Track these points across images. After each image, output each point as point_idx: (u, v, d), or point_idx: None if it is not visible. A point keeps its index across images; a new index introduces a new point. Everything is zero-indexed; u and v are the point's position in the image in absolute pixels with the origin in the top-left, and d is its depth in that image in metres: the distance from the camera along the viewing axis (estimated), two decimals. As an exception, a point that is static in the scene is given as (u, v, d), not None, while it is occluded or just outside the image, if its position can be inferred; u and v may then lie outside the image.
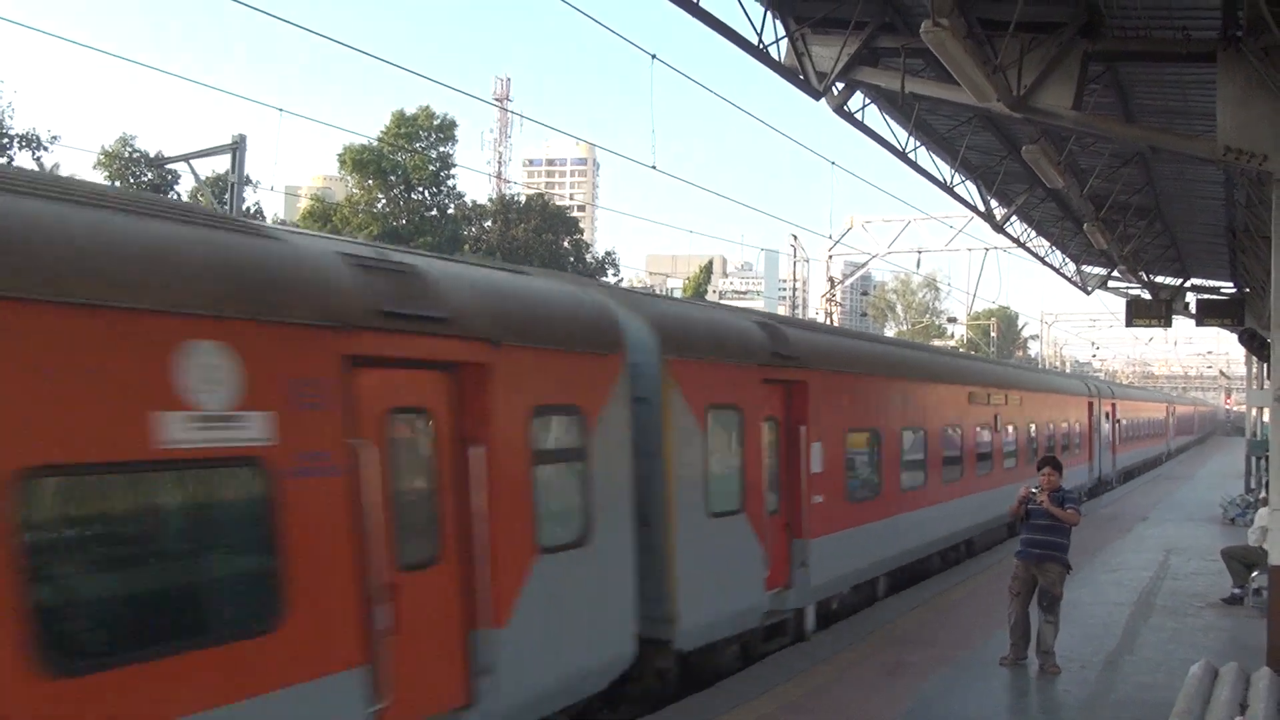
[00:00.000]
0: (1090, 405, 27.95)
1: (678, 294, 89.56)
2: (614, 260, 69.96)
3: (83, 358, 4.48)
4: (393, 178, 58.92)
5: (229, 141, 21.26)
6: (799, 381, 10.88)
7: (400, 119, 58.89)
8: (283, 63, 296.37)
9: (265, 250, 5.58)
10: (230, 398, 5.04)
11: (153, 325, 4.74)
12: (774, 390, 10.58)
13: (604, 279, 68.86)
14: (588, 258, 70.50)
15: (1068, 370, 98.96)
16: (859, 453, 12.65)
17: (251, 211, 51.80)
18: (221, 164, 34.23)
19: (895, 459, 13.74)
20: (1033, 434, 21.67)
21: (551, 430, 7.41)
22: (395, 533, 5.98)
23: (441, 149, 60.00)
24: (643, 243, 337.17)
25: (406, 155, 58.03)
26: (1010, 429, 20.10)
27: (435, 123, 59.18)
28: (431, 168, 59.25)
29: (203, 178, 29.23)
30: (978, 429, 17.99)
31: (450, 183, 61.31)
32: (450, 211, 62.84)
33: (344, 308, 5.72)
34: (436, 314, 6.31)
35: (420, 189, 60.76)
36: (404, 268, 6.42)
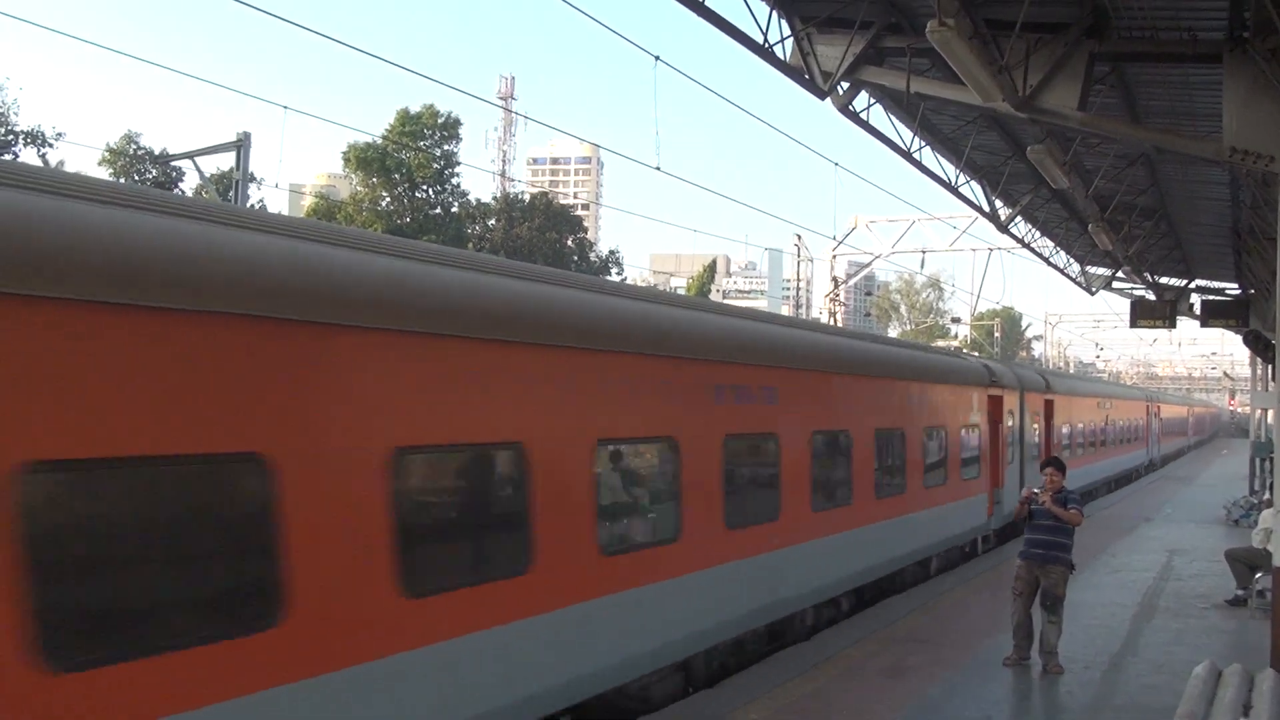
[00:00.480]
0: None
1: (681, 293, 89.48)
2: (618, 259, 69.96)
3: None
4: (397, 176, 59.04)
5: (234, 139, 21.29)
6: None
7: (405, 117, 58.94)
8: (288, 60, 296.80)
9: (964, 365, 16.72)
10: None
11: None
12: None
13: (607, 277, 68.87)
14: (591, 256, 70.56)
15: (1072, 371, 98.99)
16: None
17: (257, 209, 51.90)
18: (226, 161, 34.30)
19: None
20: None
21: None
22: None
23: (445, 147, 60.07)
24: (646, 242, 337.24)
25: (411, 153, 58.10)
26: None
27: (439, 121, 59.24)
28: (435, 166, 59.33)
29: (207, 175, 29.24)
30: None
31: (454, 181, 61.38)
32: (454, 210, 62.95)
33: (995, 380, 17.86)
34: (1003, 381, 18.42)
35: (424, 187, 60.85)
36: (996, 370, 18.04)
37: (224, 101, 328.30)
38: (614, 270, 71.10)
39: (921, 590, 14.17)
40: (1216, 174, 14.78)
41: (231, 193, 23.69)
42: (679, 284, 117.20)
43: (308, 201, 66.20)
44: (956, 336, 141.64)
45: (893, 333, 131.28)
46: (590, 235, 78.11)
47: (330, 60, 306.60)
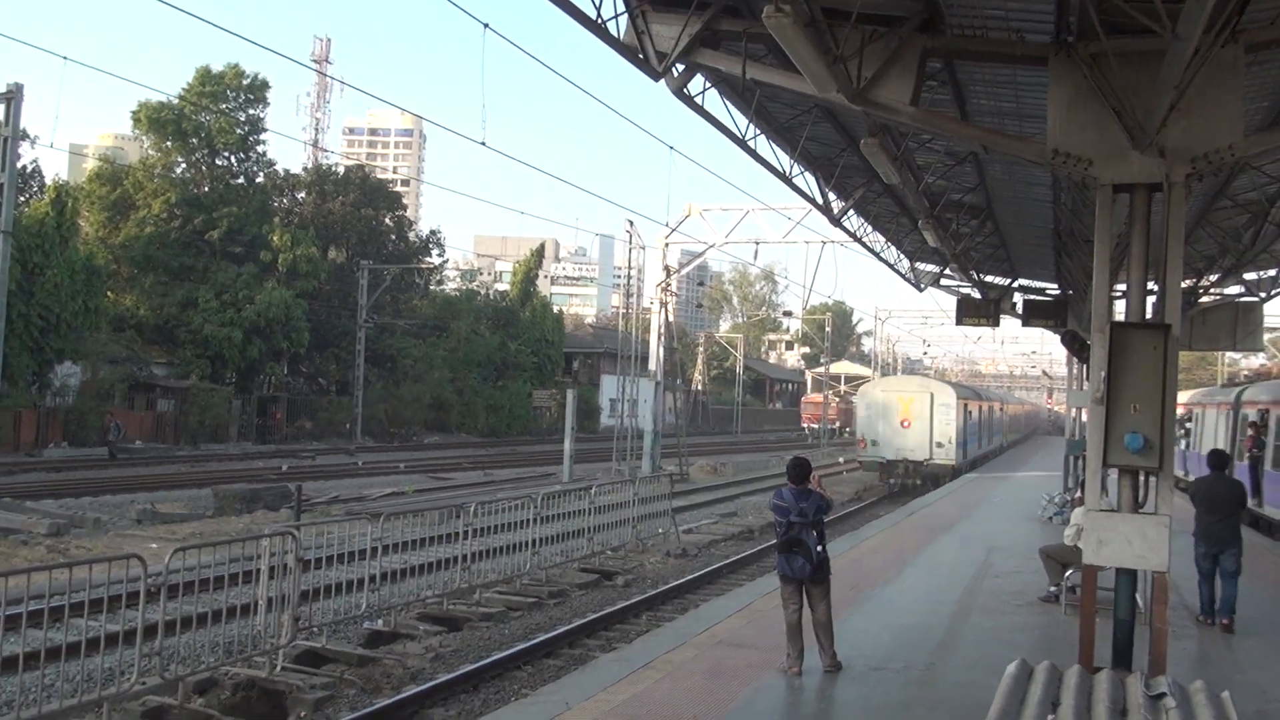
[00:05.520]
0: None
1: (506, 278, 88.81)
2: (439, 240, 68.79)
3: None
4: (194, 140, 56.14)
5: (2, 90, 19.87)
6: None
7: (205, 76, 56.10)
8: (69, 5, 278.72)
9: None
10: None
11: None
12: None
13: (427, 259, 67.38)
14: (411, 236, 69.01)
15: (899, 369, 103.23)
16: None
17: (29, 170, 48.48)
18: (-7, 114, 31.85)
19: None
20: None
21: None
22: None
23: (251, 111, 57.52)
24: (471, 223, 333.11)
25: (211, 116, 55.37)
26: None
27: (245, 82, 56.66)
28: (239, 131, 56.73)
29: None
30: None
31: (260, 149, 58.94)
32: (259, 180, 60.36)
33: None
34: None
35: (226, 154, 58.12)
36: None
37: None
38: (434, 252, 69.69)
39: (742, 592, 14.62)
40: (1040, 176, 15.61)
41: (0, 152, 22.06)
42: (504, 268, 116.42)
43: (90, 164, 62.26)
44: (788, 330, 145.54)
45: (724, 325, 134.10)
46: (410, 213, 76.54)
47: (120, 7, 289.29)
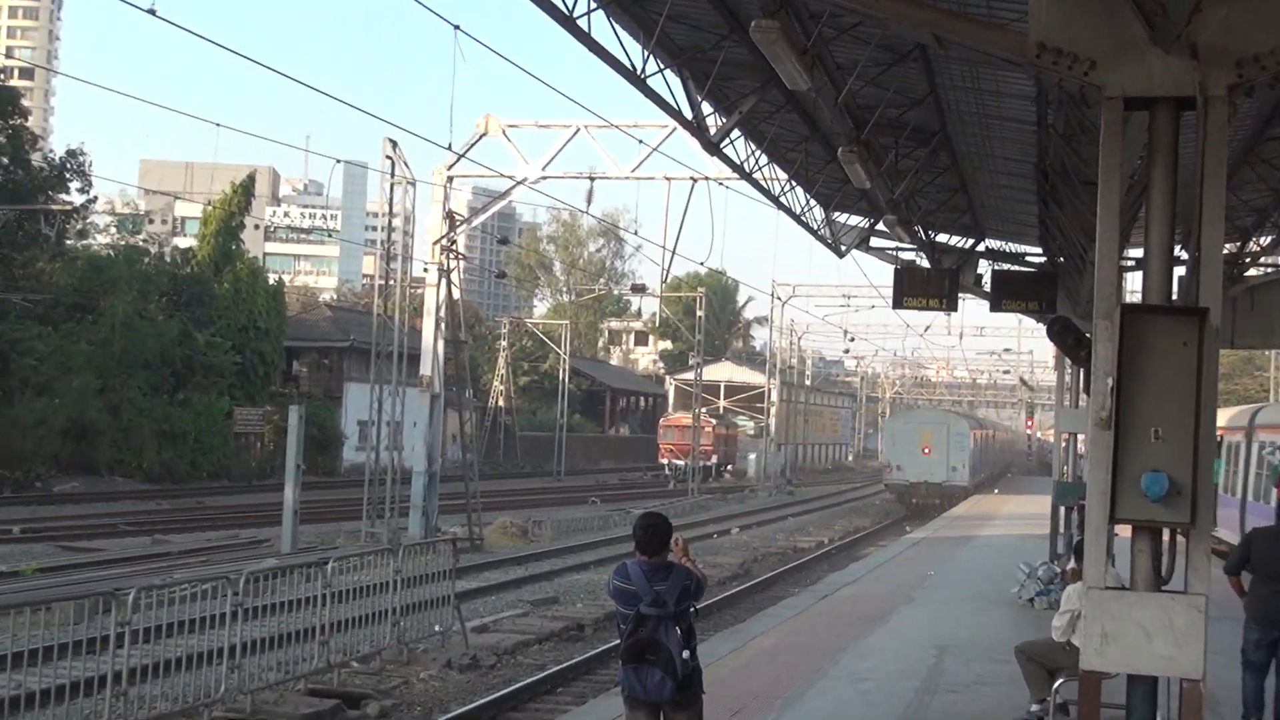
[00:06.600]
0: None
1: (193, 228, 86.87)
2: (82, 166, 66.65)
3: None
4: None
5: None
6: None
7: None
8: None
9: None
10: None
11: None
12: None
13: (61, 197, 65.28)
14: (34, 159, 66.72)
15: (809, 374, 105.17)
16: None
17: None
18: None
19: None
20: None
21: None
22: None
23: None
24: (135, 141, 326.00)
25: None
26: None
27: None
28: None
29: None
30: None
31: None
32: None
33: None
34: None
35: None
36: None
37: None
38: (74, 185, 67.76)
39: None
40: (1019, 83, 15.95)
41: None
42: (189, 213, 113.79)
43: None
44: (640, 315, 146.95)
45: (542, 307, 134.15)
46: (35, 123, 74.08)
47: None
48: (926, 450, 64.21)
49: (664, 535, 9.73)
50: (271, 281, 77.53)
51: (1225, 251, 20.95)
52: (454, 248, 41.39)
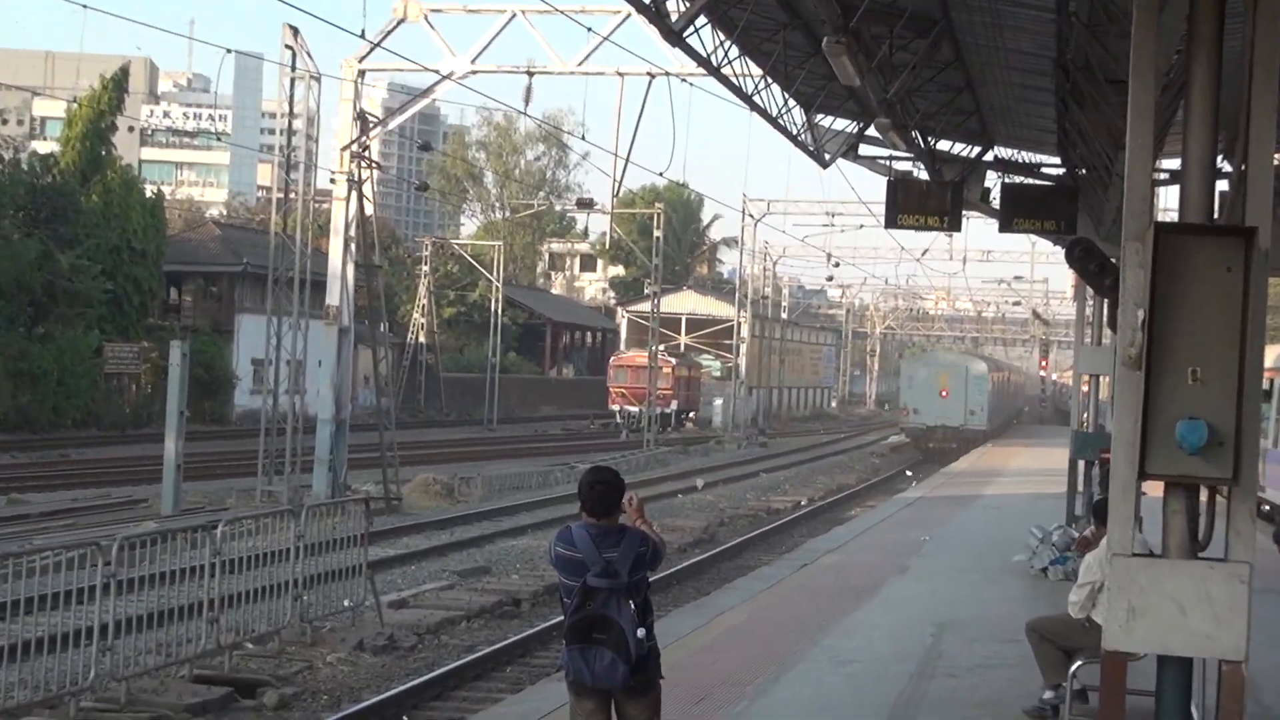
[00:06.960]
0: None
1: (54, 130, 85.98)
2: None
3: None
4: None
5: None
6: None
7: None
8: None
9: None
10: None
11: None
12: None
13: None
14: None
15: (786, 305, 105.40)
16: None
17: None
18: None
19: None
20: None
21: None
22: None
23: None
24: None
25: None
26: None
27: None
28: None
29: None
30: None
31: None
32: None
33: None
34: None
35: None
36: None
37: None
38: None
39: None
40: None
41: None
42: (49, 113, 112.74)
43: None
44: (587, 236, 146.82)
45: (471, 225, 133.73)
46: None
47: None
48: (944, 393, 72.41)
49: (615, 494, 9.78)
50: (149, 194, 76.88)
51: (1277, 162, 21.13)
52: (367, 155, 41.30)
